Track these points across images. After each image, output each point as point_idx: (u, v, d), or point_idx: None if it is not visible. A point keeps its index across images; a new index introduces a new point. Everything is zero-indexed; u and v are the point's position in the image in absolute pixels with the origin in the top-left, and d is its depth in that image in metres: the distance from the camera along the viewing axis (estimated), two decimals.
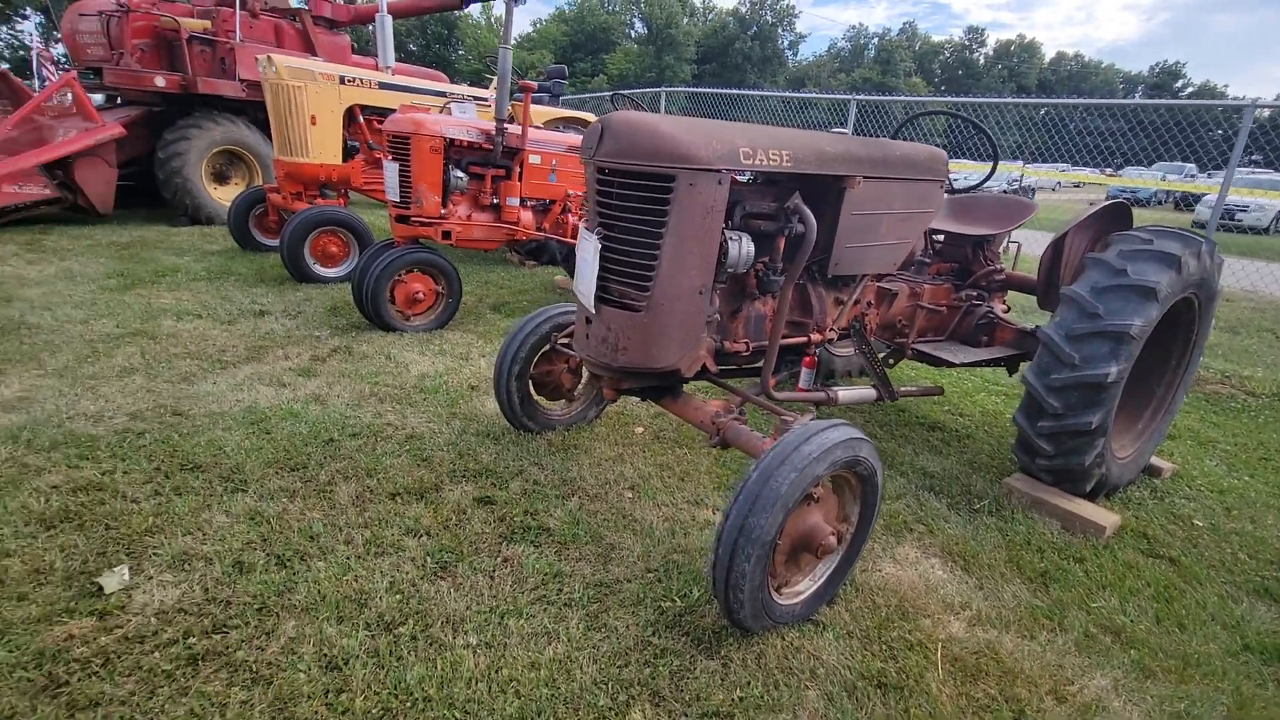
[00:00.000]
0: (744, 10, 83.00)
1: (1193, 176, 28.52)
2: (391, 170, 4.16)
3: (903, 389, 2.99)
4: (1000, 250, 3.47)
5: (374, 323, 4.31)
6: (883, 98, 7.36)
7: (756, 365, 2.40)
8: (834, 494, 1.95)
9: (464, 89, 6.82)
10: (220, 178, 8.05)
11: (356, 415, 3.09)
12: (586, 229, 2.10)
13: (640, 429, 3.23)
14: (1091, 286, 2.55)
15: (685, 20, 78.30)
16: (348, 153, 6.08)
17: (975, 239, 3.28)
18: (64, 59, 15.06)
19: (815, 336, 2.51)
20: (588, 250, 2.06)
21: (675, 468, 2.84)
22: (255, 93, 7.89)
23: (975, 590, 2.17)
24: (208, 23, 7.88)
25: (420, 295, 4.32)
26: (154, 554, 1.98)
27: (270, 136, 6.06)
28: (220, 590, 1.85)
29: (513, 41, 4.26)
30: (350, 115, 6.04)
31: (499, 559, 2.10)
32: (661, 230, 1.89)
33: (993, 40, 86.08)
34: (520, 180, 4.54)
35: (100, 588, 1.82)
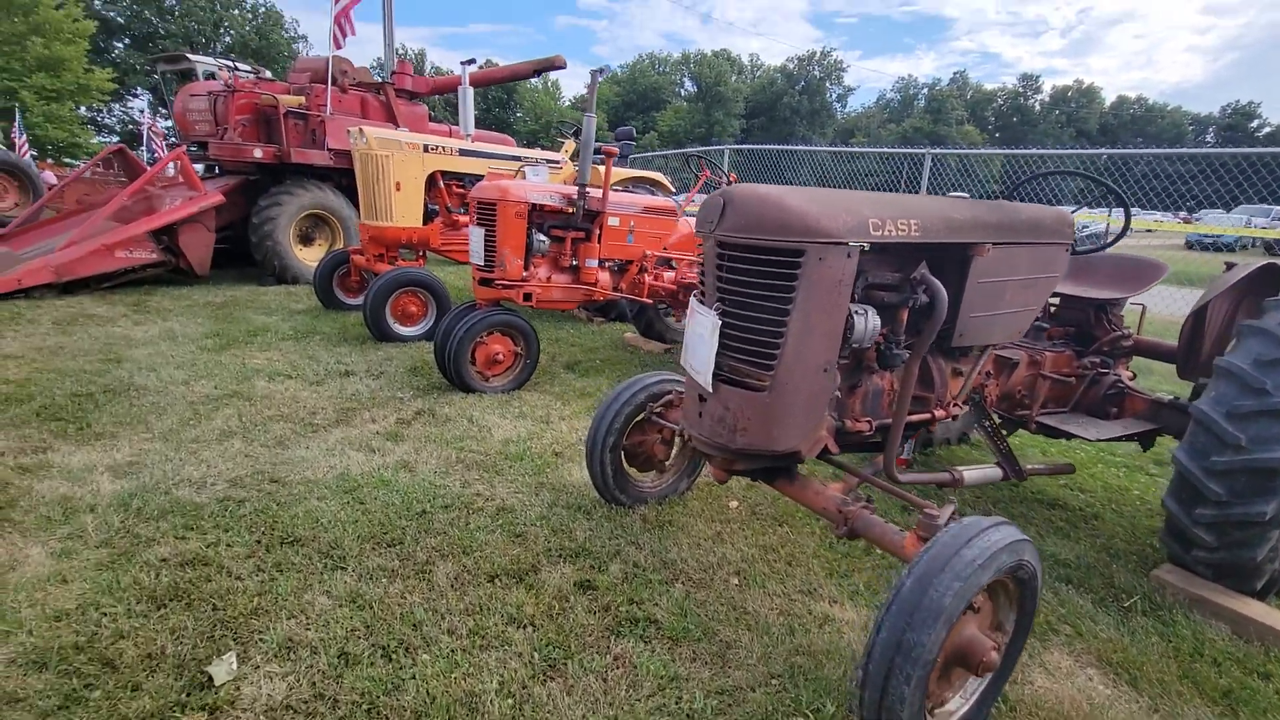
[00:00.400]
0: (791, 67, 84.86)
1: (1279, 220, 26.91)
2: (477, 235, 4.25)
3: (1029, 467, 2.75)
4: (1122, 313, 3.23)
5: (454, 384, 4.34)
6: (959, 151, 7.21)
7: (877, 442, 2.24)
8: (988, 600, 1.75)
9: (537, 153, 7.05)
10: (306, 239, 8.49)
11: (445, 484, 3.05)
12: (702, 304, 2.02)
13: (735, 503, 3.07)
14: (1255, 359, 2.30)
15: (734, 78, 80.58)
16: (427, 216, 6.31)
17: (1099, 302, 3.05)
18: (170, 132, 16.47)
19: (939, 413, 2.33)
20: (704, 326, 1.97)
21: (780, 550, 2.66)
22: (341, 160, 8.38)
23: (1150, 714, 1.89)
24: (302, 98, 8.47)
25: (500, 356, 4.34)
26: (260, 639, 1.93)
27: (355, 201, 6.35)
28: (327, 685, 1.77)
29: (594, 110, 4.36)
30: (431, 180, 6.29)
31: (609, 657, 1.95)
32: (788, 306, 1.79)
33: (1048, 86, 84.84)
34: (599, 242, 4.57)
35: (210, 678, 1.77)
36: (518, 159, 6.80)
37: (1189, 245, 24.90)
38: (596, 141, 8.48)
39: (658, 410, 2.74)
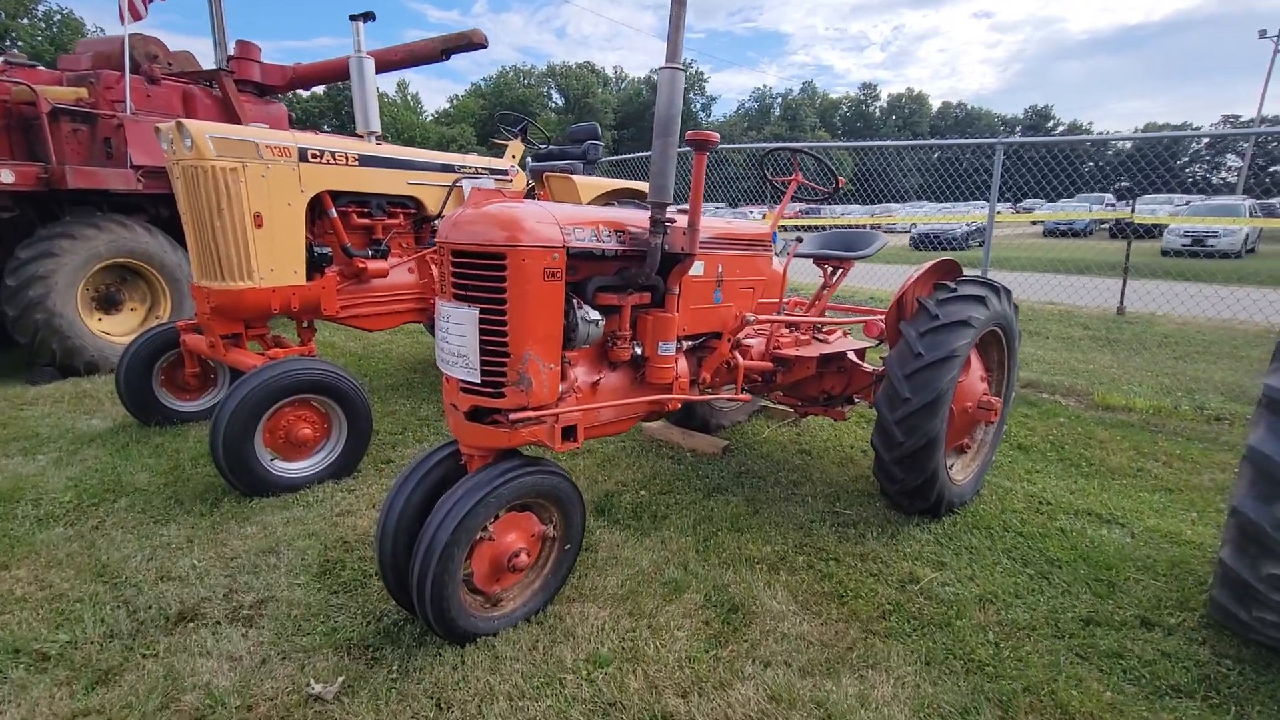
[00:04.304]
0: (655, 78, 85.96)
1: (1112, 205, 29.76)
2: (464, 322, 2.04)
3: None
4: None
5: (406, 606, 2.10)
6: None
7: None
8: None
9: (474, 159, 4.80)
10: (108, 303, 5.61)
11: None
12: None
13: None
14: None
15: (600, 90, 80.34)
16: (314, 263, 3.90)
17: None
18: None
19: None
20: None
21: None
22: (158, 183, 5.61)
23: None
24: (82, 91, 5.59)
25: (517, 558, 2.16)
26: None
27: (185, 244, 3.82)
28: None
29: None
30: (317, 206, 3.89)
31: None
32: None
33: (885, 94, 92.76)
34: (679, 308, 2.51)
35: None
36: (449, 169, 4.53)
37: (1047, 233, 26.78)
38: (547, 144, 6.32)
39: None
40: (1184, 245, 19.11)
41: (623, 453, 3.86)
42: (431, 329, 5.87)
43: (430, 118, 67.29)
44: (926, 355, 2.77)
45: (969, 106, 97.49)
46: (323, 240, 3.98)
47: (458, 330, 2.04)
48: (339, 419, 3.40)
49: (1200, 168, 62.92)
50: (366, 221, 4.16)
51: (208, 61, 8.16)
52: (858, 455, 3.90)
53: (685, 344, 2.72)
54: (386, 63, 6.18)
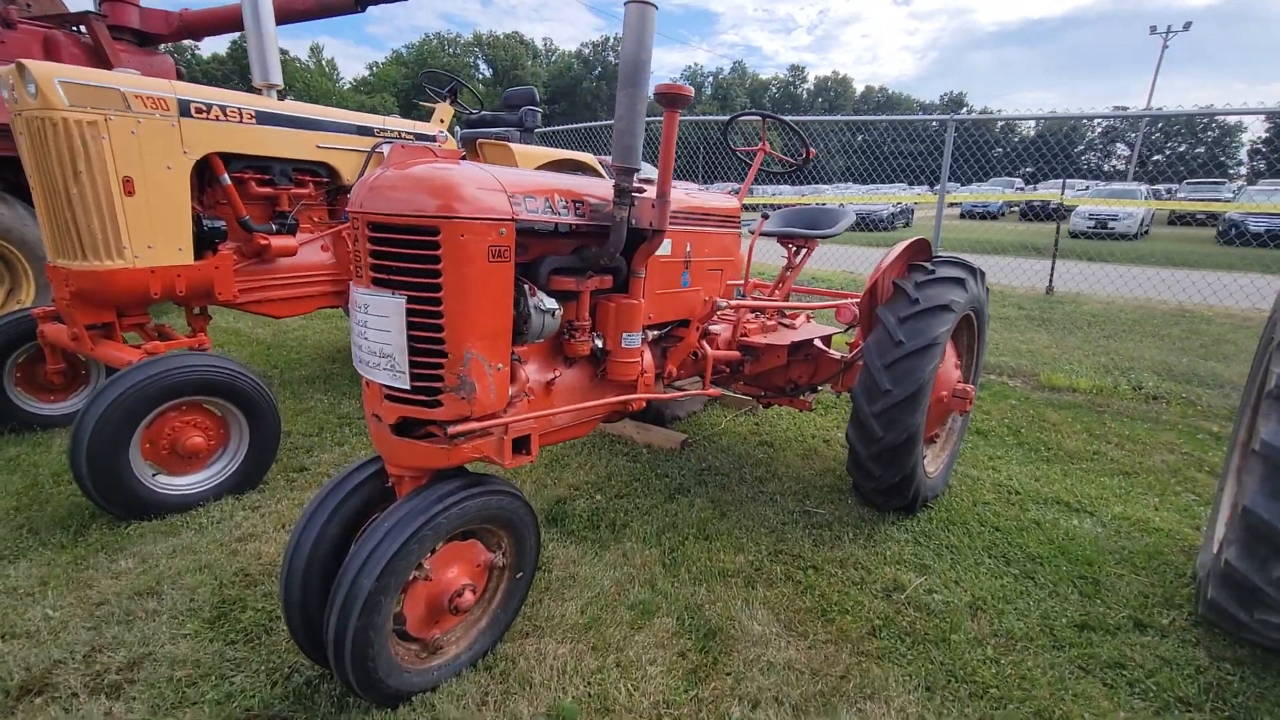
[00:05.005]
0: (587, 52, 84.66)
1: (1021, 189, 31.46)
2: (386, 314, 1.62)
3: None
4: None
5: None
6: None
7: None
8: None
9: (396, 121, 4.24)
10: None
11: None
12: None
13: None
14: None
15: (530, 62, 78.06)
16: (203, 239, 3.31)
17: None
18: None
19: None
20: None
21: None
22: (8, 144, 4.74)
23: None
24: None
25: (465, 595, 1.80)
26: None
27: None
28: None
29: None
30: (205, 170, 3.30)
31: None
32: None
33: (812, 77, 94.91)
34: (645, 294, 2.17)
35: None
36: (368, 131, 3.98)
37: (964, 215, 28.04)
38: (482, 110, 5.77)
39: None
40: (1089, 227, 20.27)
41: (573, 451, 3.51)
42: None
43: (348, 85, 63.48)
44: (908, 343, 2.56)
45: (890, 91, 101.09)
46: (215, 212, 3.38)
47: (379, 324, 1.63)
48: (238, 423, 2.89)
49: (1094, 155, 67.52)
50: (268, 191, 3.58)
51: (79, 5, 7.06)
52: (821, 446, 3.71)
53: (650, 334, 2.39)
54: (293, 10, 5.44)
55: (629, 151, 1.82)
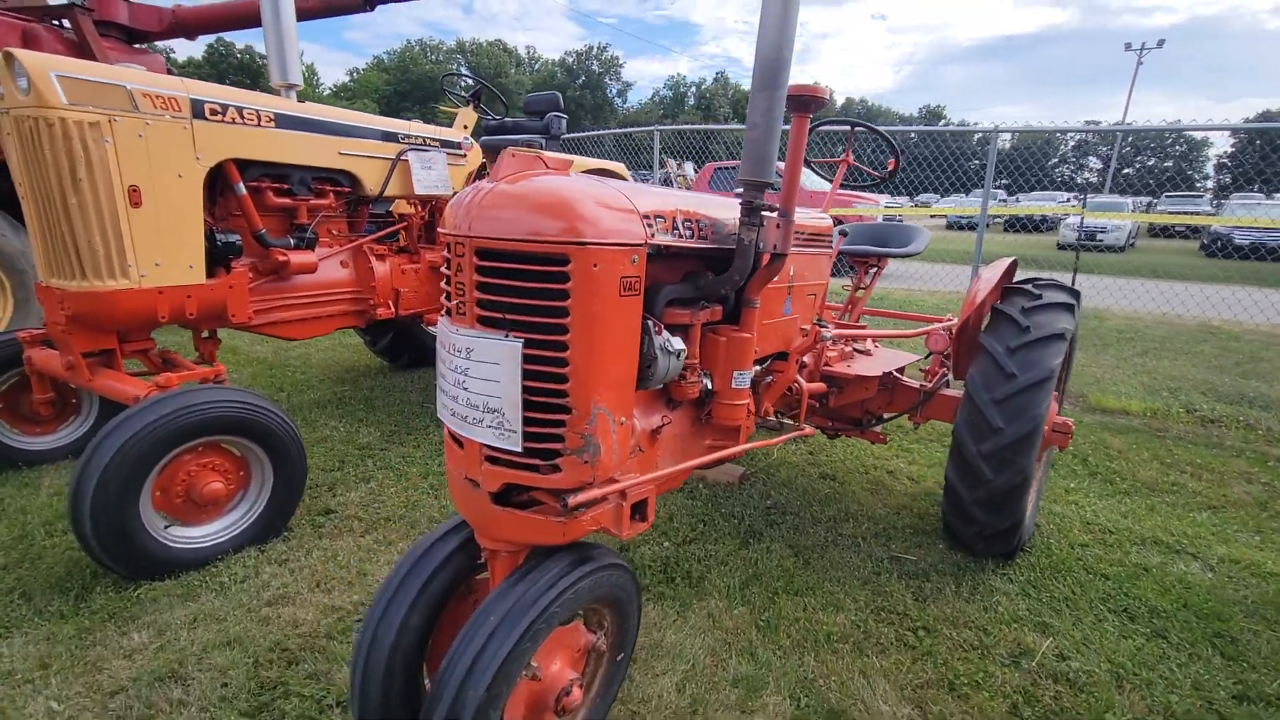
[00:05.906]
0: (570, 61, 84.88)
1: (1004, 200, 31.91)
2: (497, 360, 1.32)
3: None
4: None
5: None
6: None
7: None
8: None
9: (419, 126, 3.93)
10: None
11: None
12: None
13: None
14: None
15: (513, 70, 77.84)
16: (217, 254, 2.97)
17: None
18: None
19: None
20: None
21: None
22: None
23: None
24: None
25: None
26: None
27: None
28: None
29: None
30: (219, 181, 2.96)
31: None
32: None
33: None
34: (754, 329, 1.89)
35: None
36: (393, 137, 3.66)
37: (950, 226, 28.30)
38: (501, 117, 5.46)
39: None
40: (1077, 239, 20.49)
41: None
42: (367, 332, 4.93)
43: (328, 91, 62.66)
44: (1021, 376, 2.31)
45: (869, 103, 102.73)
46: (228, 225, 3.05)
47: (486, 372, 1.32)
48: (260, 464, 2.56)
49: (1067, 168, 68.99)
50: (287, 201, 3.24)
51: None
52: (885, 479, 3.45)
53: (755, 369, 2.12)
54: (302, 9, 5.10)
55: (763, 163, 1.54)
